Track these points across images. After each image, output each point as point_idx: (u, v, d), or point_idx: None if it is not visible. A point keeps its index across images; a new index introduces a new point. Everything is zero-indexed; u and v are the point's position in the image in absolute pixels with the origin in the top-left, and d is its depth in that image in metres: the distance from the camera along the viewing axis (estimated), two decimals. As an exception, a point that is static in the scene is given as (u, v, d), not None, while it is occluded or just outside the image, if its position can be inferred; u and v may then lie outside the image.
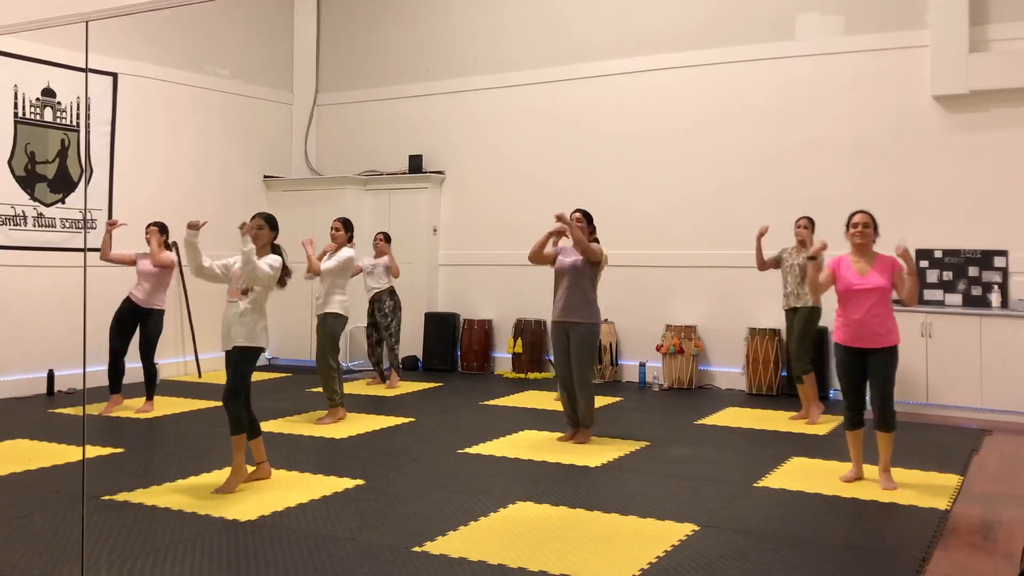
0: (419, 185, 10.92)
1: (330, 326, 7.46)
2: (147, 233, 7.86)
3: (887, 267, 5.39)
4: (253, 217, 5.59)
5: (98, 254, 7.94)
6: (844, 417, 5.58)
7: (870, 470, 5.61)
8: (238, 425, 5.31)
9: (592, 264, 6.56)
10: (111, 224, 7.89)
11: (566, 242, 6.79)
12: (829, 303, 7.58)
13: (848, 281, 5.39)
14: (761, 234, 7.59)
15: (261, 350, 5.45)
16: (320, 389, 7.95)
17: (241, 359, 5.35)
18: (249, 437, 5.47)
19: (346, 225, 7.76)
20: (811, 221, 7.49)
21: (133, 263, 7.85)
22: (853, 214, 5.57)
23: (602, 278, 6.77)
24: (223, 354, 5.50)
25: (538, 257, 6.74)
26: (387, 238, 9.41)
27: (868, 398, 5.47)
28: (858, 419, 5.51)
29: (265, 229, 5.53)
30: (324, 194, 11.01)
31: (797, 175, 9.04)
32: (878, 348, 5.34)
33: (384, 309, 9.11)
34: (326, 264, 7.48)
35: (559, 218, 6.51)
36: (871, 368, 5.37)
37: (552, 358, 6.74)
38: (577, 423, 6.73)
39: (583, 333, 6.53)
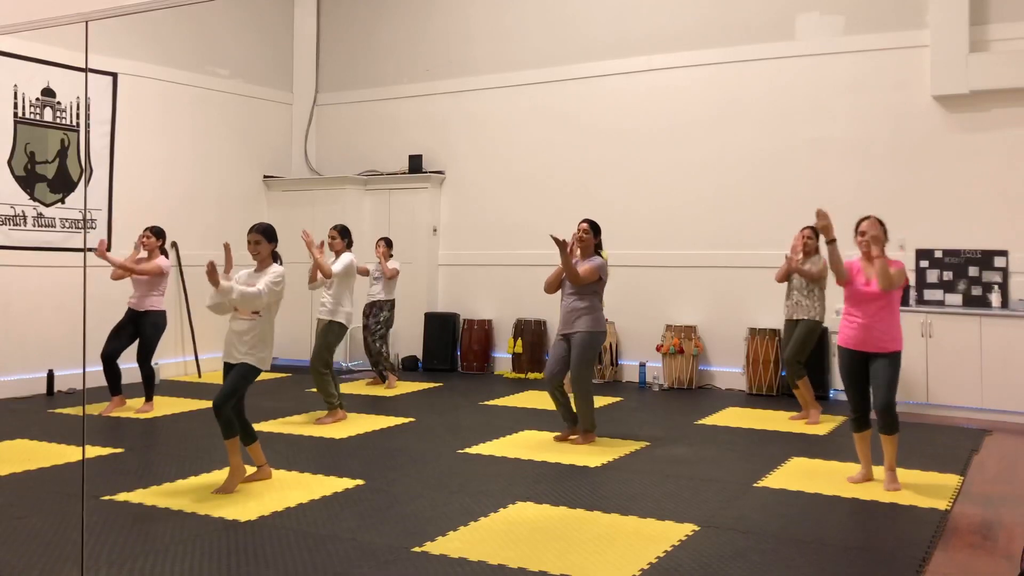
0: (419, 185, 10.92)
1: (333, 334, 7.46)
2: (142, 238, 7.83)
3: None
4: (249, 232, 5.51)
5: (96, 256, 7.90)
6: (850, 420, 5.57)
7: (878, 471, 5.60)
8: (229, 429, 5.29)
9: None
10: (100, 251, 7.73)
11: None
12: (830, 313, 7.63)
13: (855, 286, 5.39)
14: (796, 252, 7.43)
15: (260, 371, 5.41)
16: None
17: (243, 373, 5.32)
18: (246, 443, 5.46)
19: (342, 233, 7.71)
20: (815, 231, 7.47)
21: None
22: (861, 220, 5.51)
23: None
24: (222, 360, 5.48)
25: (554, 289, 6.76)
26: (388, 243, 9.36)
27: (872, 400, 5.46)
28: (864, 421, 5.51)
29: (263, 243, 5.46)
30: (324, 194, 11.01)
31: (797, 175, 9.03)
32: (881, 353, 5.34)
33: (379, 317, 9.09)
34: (335, 267, 7.42)
35: (556, 240, 6.52)
36: (874, 372, 5.36)
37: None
38: (572, 420, 6.73)
39: (582, 340, 6.53)
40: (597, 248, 6.73)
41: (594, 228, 6.73)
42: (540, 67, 10.45)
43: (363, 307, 9.18)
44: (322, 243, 7.52)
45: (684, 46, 9.64)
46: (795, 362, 7.40)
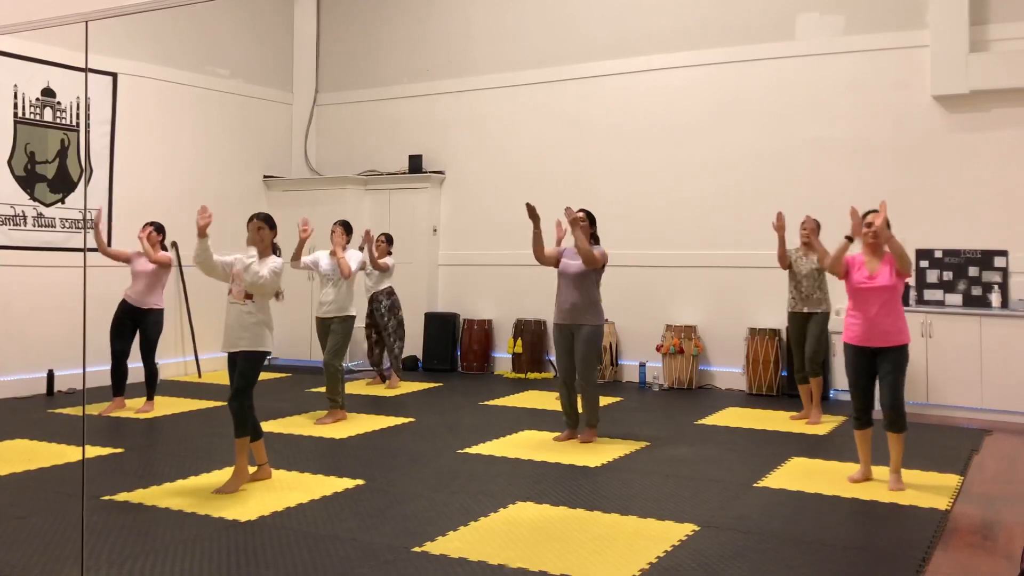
0: (419, 185, 10.92)
1: (348, 328, 7.48)
2: (141, 232, 7.82)
3: (894, 263, 5.37)
4: (251, 219, 5.54)
5: (100, 258, 7.91)
6: (853, 417, 5.56)
7: (879, 471, 5.60)
8: (242, 427, 5.30)
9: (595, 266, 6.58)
10: (95, 219, 7.94)
11: (568, 241, 6.80)
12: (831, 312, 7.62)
13: (857, 280, 5.40)
14: (780, 227, 7.28)
15: (266, 354, 5.42)
16: (323, 389, 7.95)
17: (245, 363, 5.33)
18: (252, 439, 5.46)
19: (347, 228, 7.76)
20: (817, 223, 7.46)
21: (129, 260, 7.84)
22: (867, 213, 5.52)
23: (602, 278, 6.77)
24: (225, 354, 5.48)
25: (541, 256, 6.74)
26: (389, 240, 9.39)
27: (877, 398, 5.44)
28: (866, 419, 5.50)
29: (265, 230, 5.50)
30: (324, 194, 11.01)
31: (797, 175, 9.04)
32: (887, 347, 5.34)
33: (381, 309, 9.11)
34: (353, 266, 7.47)
35: (568, 214, 6.48)
36: (881, 368, 5.36)
37: (552, 358, 6.75)
38: (575, 423, 6.74)
39: (588, 334, 6.55)
40: (594, 239, 6.73)
41: (590, 217, 6.73)
42: (540, 67, 10.45)
43: (367, 304, 9.20)
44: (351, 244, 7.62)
45: (684, 46, 9.64)
46: (816, 360, 7.38)
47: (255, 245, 5.47)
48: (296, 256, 7.40)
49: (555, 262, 6.75)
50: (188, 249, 10.04)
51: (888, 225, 5.45)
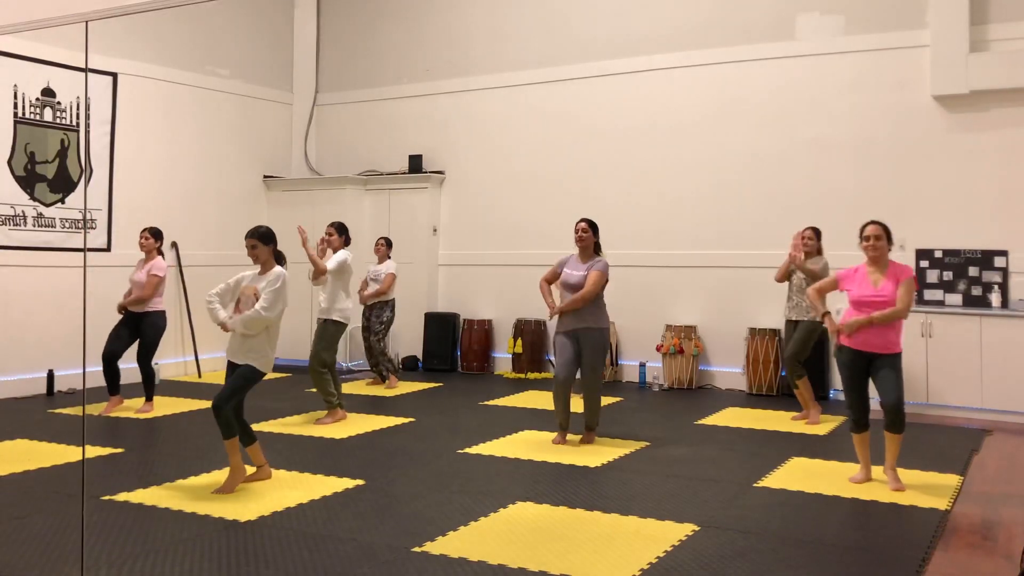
0: (419, 185, 10.92)
1: (329, 333, 7.45)
2: (140, 239, 7.84)
3: (898, 278, 5.38)
4: (246, 237, 5.51)
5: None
6: (849, 420, 5.56)
7: (879, 471, 5.59)
8: (228, 430, 5.30)
9: None
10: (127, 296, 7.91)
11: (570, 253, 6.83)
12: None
13: (862, 292, 5.41)
14: (796, 250, 7.33)
15: (261, 374, 5.41)
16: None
17: (244, 374, 5.34)
18: (245, 444, 5.47)
19: (340, 229, 7.73)
20: (816, 232, 7.45)
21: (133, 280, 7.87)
22: (866, 225, 5.52)
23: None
24: (225, 356, 5.48)
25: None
26: (388, 243, 9.38)
27: (878, 400, 5.43)
28: (863, 422, 5.50)
29: (259, 247, 5.47)
30: (324, 194, 11.01)
31: (797, 175, 9.03)
32: (883, 354, 5.35)
33: (383, 317, 9.10)
34: (329, 265, 7.42)
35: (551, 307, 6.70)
36: (879, 373, 5.37)
37: (552, 358, 6.75)
38: (568, 425, 6.73)
39: (596, 338, 6.56)
40: (597, 248, 6.73)
41: (592, 227, 6.73)
42: (540, 67, 10.45)
43: (364, 308, 9.18)
44: (322, 239, 7.57)
45: (684, 46, 9.63)
46: (795, 362, 7.41)
47: (253, 261, 5.48)
48: (315, 274, 7.42)
49: (556, 278, 6.80)
50: (188, 249, 10.11)
51: (890, 239, 5.48)
